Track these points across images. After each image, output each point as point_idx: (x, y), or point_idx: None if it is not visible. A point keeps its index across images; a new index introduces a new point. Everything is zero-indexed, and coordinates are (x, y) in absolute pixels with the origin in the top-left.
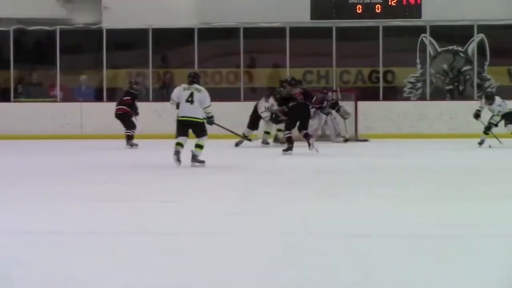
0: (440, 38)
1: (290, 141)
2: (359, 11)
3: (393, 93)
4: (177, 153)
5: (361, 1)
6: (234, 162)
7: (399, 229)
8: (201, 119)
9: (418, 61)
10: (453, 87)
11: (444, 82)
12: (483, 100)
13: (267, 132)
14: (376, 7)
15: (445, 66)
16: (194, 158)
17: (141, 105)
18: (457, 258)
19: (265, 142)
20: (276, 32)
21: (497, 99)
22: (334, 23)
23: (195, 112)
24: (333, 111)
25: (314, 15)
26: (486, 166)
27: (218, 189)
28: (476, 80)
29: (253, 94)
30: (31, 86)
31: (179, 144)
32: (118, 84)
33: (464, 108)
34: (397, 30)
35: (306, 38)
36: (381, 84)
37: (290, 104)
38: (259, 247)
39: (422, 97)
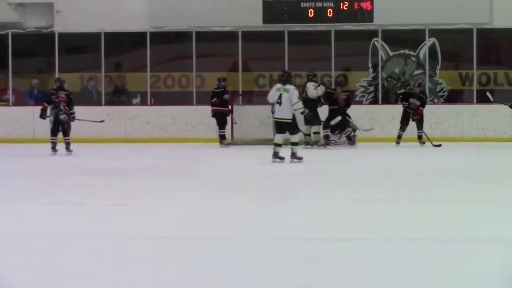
0: (391, 42)
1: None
2: (311, 15)
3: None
4: (275, 154)
5: (313, 5)
6: (193, 165)
7: (351, 233)
8: (289, 119)
9: (370, 65)
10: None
11: (396, 86)
12: None
13: (308, 134)
14: (328, 11)
15: (397, 70)
16: (293, 155)
17: (93, 109)
18: (407, 262)
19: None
20: (228, 36)
21: None
22: (286, 27)
23: (283, 113)
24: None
25: (266, 19)
26: (438, 169)
27: (168, 192)
28: (428, 84)
29: (205, 98)
30: None
31: (276, 145)
32: (70, 88)
33: None
34: (349, 34)
35: (258, 42)
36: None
37: (330, 108)
38: (209, 252)
39: (374, 101)
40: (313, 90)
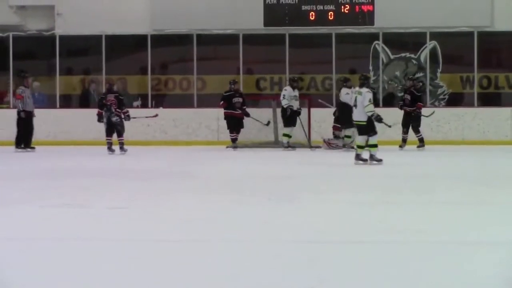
0: (392, 45)
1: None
2: (312, 18)
3: None
4: (357, 156)
5: (314, 8)
6: (193, 168)
7: (352, 235)
8: (364, 122)
9: (371, 68)
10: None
11: (397, 89)
12: None
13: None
14: (329, 14)
15: (398, 73)
16: (372, 157)
17: (95, 112)
18: (408, 264)
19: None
20: (230, 39)
21: None
22: (287, 30)
23: (359, 115)
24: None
25: (267, 22)
26: (439, 172)
27: (168, 194)
28: (428, 87)
29: (206, 100)
30: None
31: (358, 147)
32: (71, 91)
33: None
34: (350, 37)
35: (259, 45)
36: (334, 91)
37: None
38: (209, 254)
39: (375, 104)
40: (345, 95)
